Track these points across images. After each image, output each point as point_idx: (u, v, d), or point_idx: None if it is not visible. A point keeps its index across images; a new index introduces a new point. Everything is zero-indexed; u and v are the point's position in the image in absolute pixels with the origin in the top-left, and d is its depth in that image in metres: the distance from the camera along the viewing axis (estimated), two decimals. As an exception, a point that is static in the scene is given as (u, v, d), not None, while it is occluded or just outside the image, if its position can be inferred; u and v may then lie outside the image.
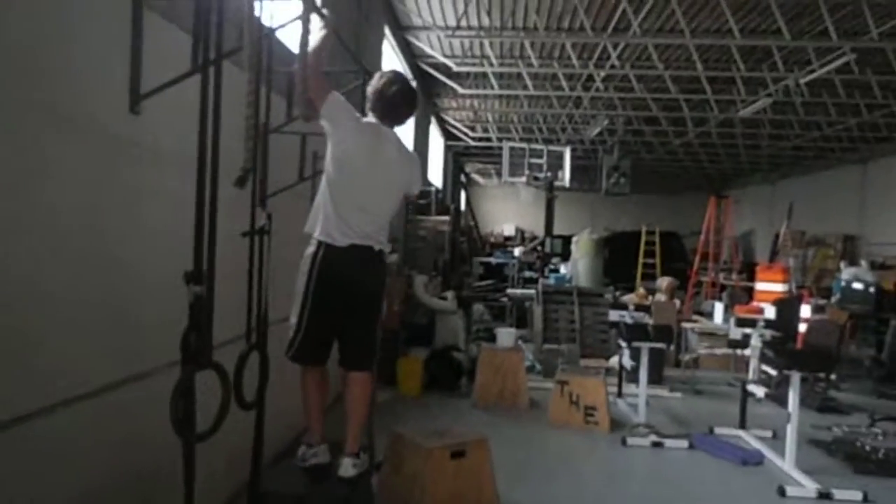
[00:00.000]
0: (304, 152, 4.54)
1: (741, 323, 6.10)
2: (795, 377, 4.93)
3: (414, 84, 3.68)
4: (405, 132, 11.50)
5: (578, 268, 10.95)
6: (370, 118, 3.27)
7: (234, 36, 2.48)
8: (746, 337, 6.01)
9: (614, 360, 7.77)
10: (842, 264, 12.58)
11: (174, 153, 2.82)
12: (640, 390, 5.96)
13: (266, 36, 2.87)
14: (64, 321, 2.24)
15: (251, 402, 2.55)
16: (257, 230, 2.59)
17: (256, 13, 2.46)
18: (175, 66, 2.53)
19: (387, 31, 9.27)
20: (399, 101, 3.24)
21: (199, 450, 2.20)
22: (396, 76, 3.33)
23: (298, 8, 2.89)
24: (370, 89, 3.29)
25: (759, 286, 9.93)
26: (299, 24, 2.84)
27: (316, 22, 3.00)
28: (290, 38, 4.60)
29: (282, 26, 3.18)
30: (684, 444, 5.53)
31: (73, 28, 2.26)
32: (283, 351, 3.14)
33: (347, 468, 3.05)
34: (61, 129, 2.21)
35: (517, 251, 16.34)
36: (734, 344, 6.48)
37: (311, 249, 3.05)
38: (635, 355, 6.22)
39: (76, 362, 2.29)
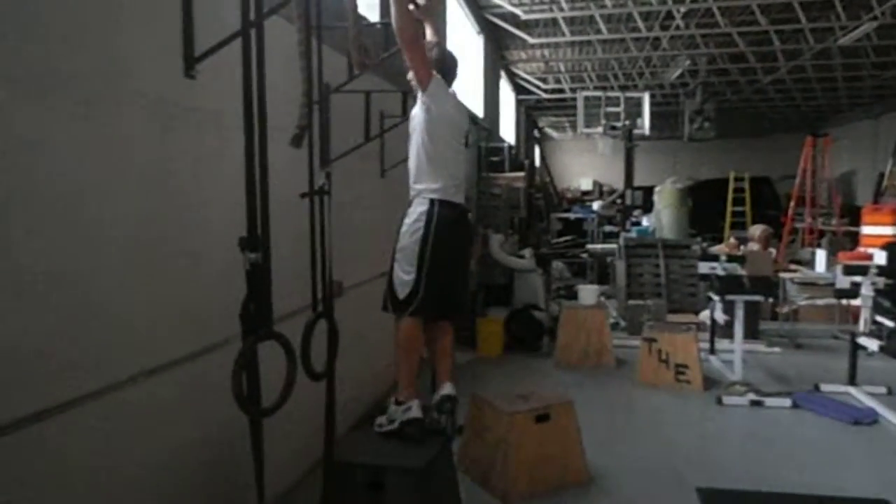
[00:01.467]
0: (368, 111, 4.38)
1: (849, 271, 5.57)
2: (917, 328, 4.45)
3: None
4: (477, 89, 11.21)
5: (662, 219, 10.42)
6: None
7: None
8: (855, 286, 5.49)
9: (704, 315, 7.36)
10: (959, 202, 11.47)
11: (234, 116, 2.70)
12: (736, 345, 5.58)
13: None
14: (136, 293, 2.18)
15: (321, 372, 2.45)
16: (316, 191, 2.44)
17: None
18: (228, 25, 2.39)
19: (451, -19, 8.92)
20: (450, 66, 3.44)
21: (270, 422, 2.12)
22: (441, 45, 3.52)
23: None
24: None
25: (866, 230, 9.13)
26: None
27: None
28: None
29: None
30: (787, 402, 5.15)
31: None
32: (392, 307, 3.13)
33: (449, 388, 3.16)
34: (116, 99, 2.11)
35: (596, 205, 15.80)
36: (841, 294, 5.94)
37: (423, 207, 3.12)
38: (728, 309, 5.83)
39: (151, 335, 2.25)
